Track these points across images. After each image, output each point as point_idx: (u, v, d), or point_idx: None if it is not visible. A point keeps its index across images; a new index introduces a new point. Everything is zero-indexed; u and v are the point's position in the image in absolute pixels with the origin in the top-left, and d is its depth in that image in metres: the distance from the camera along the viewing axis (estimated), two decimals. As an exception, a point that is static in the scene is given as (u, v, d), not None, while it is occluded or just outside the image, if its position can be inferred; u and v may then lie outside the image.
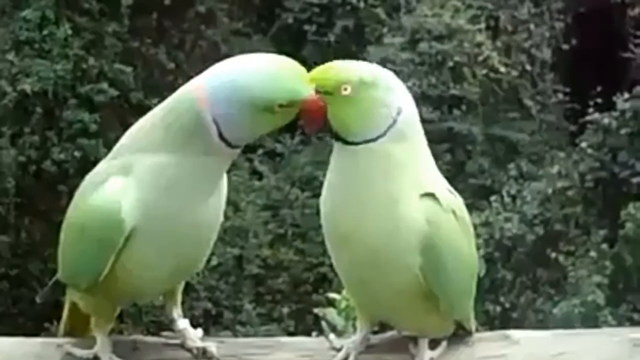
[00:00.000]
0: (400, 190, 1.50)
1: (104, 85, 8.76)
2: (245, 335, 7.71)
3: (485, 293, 8.35)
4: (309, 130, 1.53)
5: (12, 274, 8.51)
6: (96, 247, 1.50)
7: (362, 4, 9.21)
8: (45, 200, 8.54)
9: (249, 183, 8.93)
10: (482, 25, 9.05)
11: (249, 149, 9.25)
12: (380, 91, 1.48)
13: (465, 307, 1.61)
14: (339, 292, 3.12)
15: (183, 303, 1.47)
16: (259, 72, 1.46)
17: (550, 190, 8.65)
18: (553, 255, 8.44)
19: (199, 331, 1.60)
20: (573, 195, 8.58)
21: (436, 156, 1.58)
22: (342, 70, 1.48)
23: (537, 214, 8.65)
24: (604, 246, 8.07)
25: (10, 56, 8.83)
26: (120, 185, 1.48)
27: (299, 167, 8.79)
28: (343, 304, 3.11)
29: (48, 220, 8.16)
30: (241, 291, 8.55)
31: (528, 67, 9.29)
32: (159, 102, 1.47)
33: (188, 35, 9.21)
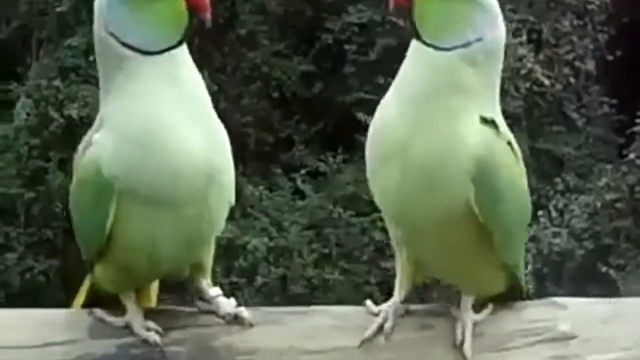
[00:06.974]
0: (461, 110, 1.48)
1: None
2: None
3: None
4: (202, 16, 1.51)
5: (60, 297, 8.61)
6: (93, 208, 1.51)
7: (402, 22, 9.17)
8: (92, 225, 8.65)
9: (292, 203, 8.93)
10: (524, 39, 8.95)
11: (291, 168, 9.26)
12: (473, 6, 1.50)
13: (517, 247, 1.56)
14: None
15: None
16: None
17: (598, 204, 8.50)
18: (603, 269, 8.27)
19: (232, 300, 1.60)
20: (622, 208, 8.42)
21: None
22: None
23: (586, 228, 8.50)
24: (655, 259, 7.90)
25: (57, 82, 8.99)
26: (98, 140, 1.52)
27: (341, 185, 8.77)
28: None
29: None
30: (286, 311, 8.51)
31: (572, 80, 9.17)
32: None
33: (229, 59, 9.29)
